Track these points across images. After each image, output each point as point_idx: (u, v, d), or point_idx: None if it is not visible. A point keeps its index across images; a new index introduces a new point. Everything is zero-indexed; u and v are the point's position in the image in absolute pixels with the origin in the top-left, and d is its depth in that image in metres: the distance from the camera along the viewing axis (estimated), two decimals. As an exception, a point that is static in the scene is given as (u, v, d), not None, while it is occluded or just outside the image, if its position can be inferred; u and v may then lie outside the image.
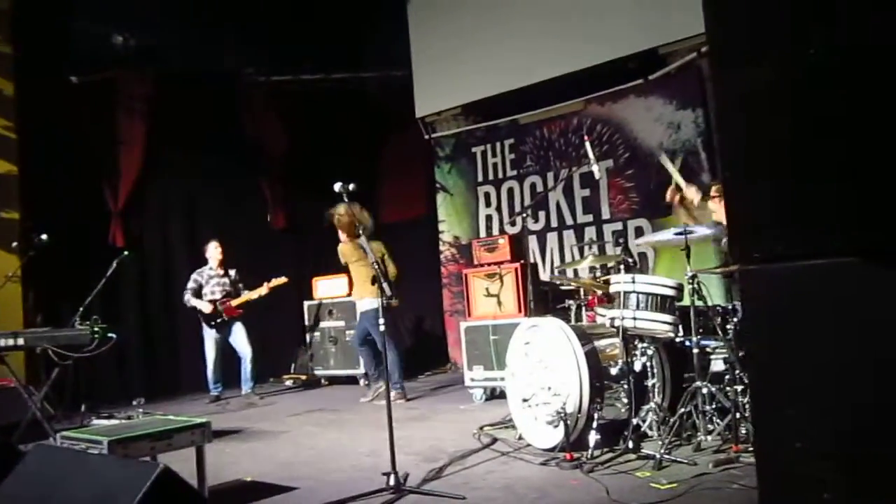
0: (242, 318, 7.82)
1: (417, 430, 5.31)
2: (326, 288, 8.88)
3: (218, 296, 7.80)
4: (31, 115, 7.40)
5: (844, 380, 1.42)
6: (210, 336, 7.80)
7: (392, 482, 3.66)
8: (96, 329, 4.87)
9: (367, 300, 6.81)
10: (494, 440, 4.77)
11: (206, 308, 7.74)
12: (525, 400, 4.50)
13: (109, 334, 4.91)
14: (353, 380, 8.47)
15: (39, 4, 7.43)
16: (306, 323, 9.08)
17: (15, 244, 5.80)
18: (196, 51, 8.70)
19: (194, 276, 7.88)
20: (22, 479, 2.94)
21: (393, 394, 6.83)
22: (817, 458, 1.44)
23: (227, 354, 7.86)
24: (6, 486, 2.95)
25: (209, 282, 7.84)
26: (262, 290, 7.80)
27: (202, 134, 8.97)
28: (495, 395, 6.54)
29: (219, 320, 7.76)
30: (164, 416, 4.06)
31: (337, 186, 4.10)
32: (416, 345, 9.66)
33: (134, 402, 7.72)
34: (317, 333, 8.93)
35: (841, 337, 1.46)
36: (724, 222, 4.71)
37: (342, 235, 7.05)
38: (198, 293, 7.82)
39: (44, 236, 5.42)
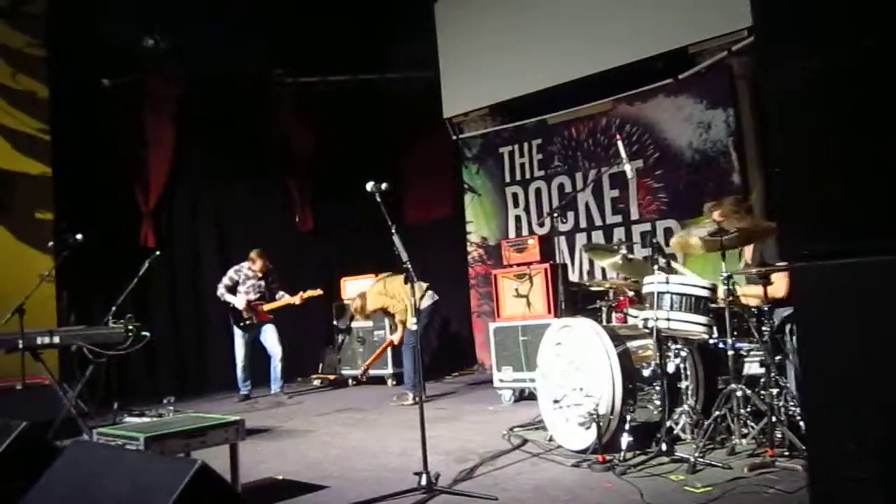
0: (273, 318, 7.88)
1: (446, 431, 5.30)
2: (354, 288, 8.89)
3: (252, 296, 7.86)
4: (64, 118, 7.52)
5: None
6: (240, 335, 7.86)
7: (423, 482, 3.65)
8: (130, 327, 4.93)
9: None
10: (524, 441, 4.75)
11: (241, 304, 7.79)
12: (556, 401, 4.47)
13: (143, 333, 4.97)
14: (380, 380, 8.48)
15: (72, 9, 7.53)
16: (335, 323, 9.12)
17: (51, 244, 5.90)
18: (224, 53, 8.76)
19: (231, 272, 7.93)
20: (60, 474, 2.98)
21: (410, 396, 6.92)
22: (870, 457, 1.41)
23: (256, 354, 7.92)
24: (45, 481, 2.99)
25: (246, 281, 7.89)
26: (296, 300, 7.87)
27: (231, 135, 9.06)
28: (524, 396, 6.52)
29: (248, 322, 7.82)
30: (198, 414, 4.08)
31: (369, 186, 4.10)
32: (443, 346, 9.64)
33: (164, 401, 7.74)
34: (345, 334, 8.95)
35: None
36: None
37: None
38: (232, 290, 7.87)
39: (78, 236, 5.48)
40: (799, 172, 1.67)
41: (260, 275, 7.94)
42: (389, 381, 8.37)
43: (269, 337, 7.85)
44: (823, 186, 1.62)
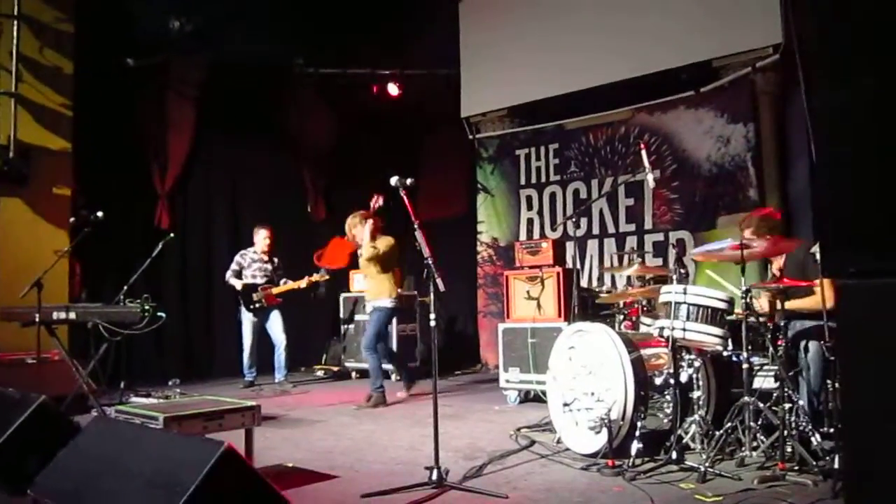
0: (280, 306, 7.88)
1: (453, 428, 5.33)
2: (363, 281, 8.92)
3: (259, 280, 7.85)
4: (88, 95, 7.53)
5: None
6: (248, 320, 7.86)
7: (434, 477, 3.68)
8: (147, 307, 4.95)
9: (384, 299, 6.80)
10: (532, 442, 4.78)
11: (238, 286, 7.79)
12: (566, 404, 4.50)
13: (159, 313, 4.99)
14: (385, 373, 8.48)
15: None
16: (341, 315, 9.15)
17: (72, 219, 5.92)
18: (248, 40, 8.80)
19: (237, 257, 7.95)
20: (82, 449, 3.01)
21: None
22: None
23: (262, 341, 7.94)
24: (65, 456, 3.03)
25: (251, 265, 7.89)
26: (302, 283, 7.85)
27: (250, 122, 9.11)
28: (530, 397, 6.55)
29: (257, 305, 7.81)
30: (214, 398, 4.11)
31: (393, 181, 4.14)
32: (448, 344, 9.68)
33: (170, 383, 7.82)
34: (351, 326, 8.99)
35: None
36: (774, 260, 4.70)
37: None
38: (238, 275, 7.88)
39: (99, 213, 5.51)
40: (845, 190, 1.69)
41: (266, 258, 7.93)
42: (394, 376, 8.39)
43: (275, 325, 7.86)
44: (872, 204, 1.64)
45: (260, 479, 2.63)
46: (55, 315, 5.14)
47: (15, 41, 6.90)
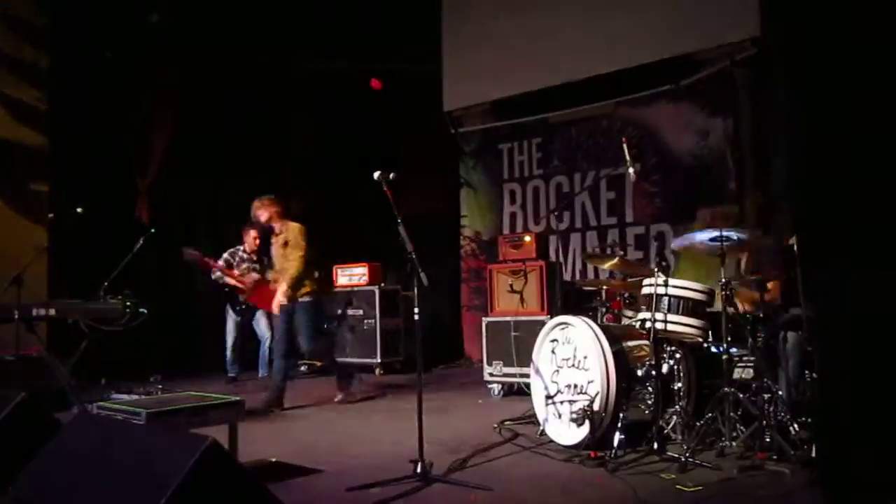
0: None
1: (437, 422, 5.32)
2: (346, 276, 8.93)
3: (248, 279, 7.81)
4: (64, 89, 7.45)
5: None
6: (231, 318, 7.88)
7: (419, 470, 3.70)
8: (129, 303, 4.93)
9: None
10: (516, 435, 4.80)
11: (231, 280, 7.75)
12: (549, 397, 4.54)
13: (141, 309, 4.97)
14: (369, 368, 8.51)
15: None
16: (323, 311, 9.10)
17: (51, 216, 5.87)
18: (228, 35, 8.76)
19: (226, 254, 7.90)
20: (64, 446, 2.99)
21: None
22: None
23: (246, 337, 7.93)
24: (49, 452, 3.01)
25: (240, 264, 7.88)
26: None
27: (230, 117, 9.05)
28: (513, 390, 6.58)
29: (243, 307, 7.83)
30: (196, 393, 4.10)
31: (376, 175, 4.14)
32: (431, 338, 9.66)
33: (151, 379, 7.74)
34: (334, 322, 8.96)
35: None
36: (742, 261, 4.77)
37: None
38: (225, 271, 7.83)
39: (79, 210, 5.47)
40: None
41: (254, 257, 7.92)
42: (377, 371, 8.41)
43: (261, 322, 7.87)
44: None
45: (245, 473, 2.63)
46: (35, 311, 5.12)
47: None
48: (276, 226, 6.29)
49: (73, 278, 7.52)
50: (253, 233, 7.89)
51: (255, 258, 7.94)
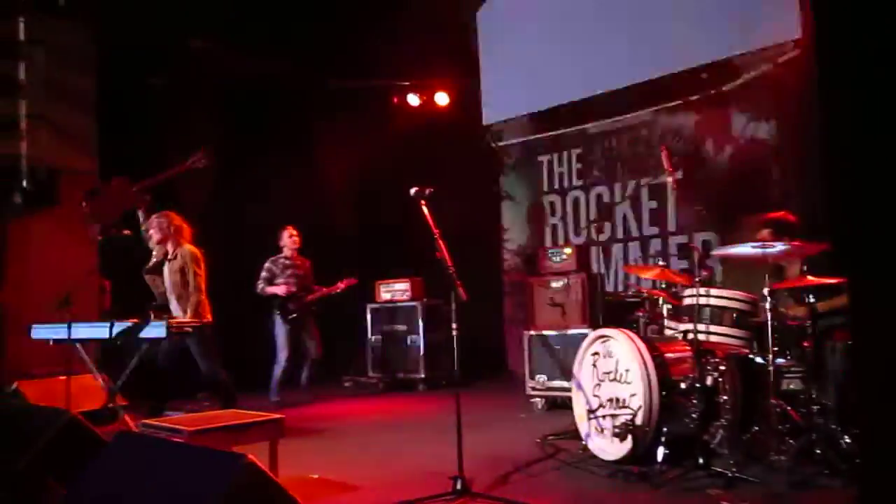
0: (315, 315, 7.69)
1: (479, 437, 5.28)
2: (389, 291, 8.97)
3: (294, 288, 7.58)
4: (111, 115, 7.66)
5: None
6: (283, 332, 7.50)
7: (459, 486, 3.68)
8: (172, 323, 5.02)
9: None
10: (558, 450, 4.75)
11: (282, 290, 7.50)
12: (591, 411, 4.48)
13: (186, 328, 5.05)
14: (410, 384, 8.52)
15: (122, 8, 7.70)
16: (368, 325, 9.16)
17: (100, 238, 6.04)
18: (267, 54, 8.93)
19: (268, 264, 7.68)
20: (106, 465, 3.05)
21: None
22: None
23: (296, 350, 7.67)
24: (91, 471, 3.07)
25: (284, 272, 7.64)
26: (339, 287, 7.71)
27: (271, 136, 9.21)
28: (556, 404, 6.51)
29: (294, 315, 7.49)
30: (238, 411, 4.16)
31: (413, 191, 4.16)
32: (474, 352, 9.63)
33: (199, 396, 7.88)
34: (377, 336, 9.00)
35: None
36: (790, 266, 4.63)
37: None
38: (270, 281, 7.62)
39: (126, 231, 5.61)
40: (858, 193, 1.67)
41: (297, 262, 7.70)
42: (421, 386, 8.40)
43: (310, 336, 7.60)
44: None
45: (282, 492, 2.64)
46: (84, 332, 5.22)
47: (41, 65, 7.06)
48: (170, 249, 6.04)
49: (124, 298, 7.71)
50: (286, 232, 7.69)
51: (297, 262, 7.69)
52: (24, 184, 6.92)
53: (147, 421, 3.76)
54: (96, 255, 7.04)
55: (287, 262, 7.70)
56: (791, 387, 4.31)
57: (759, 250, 4.04)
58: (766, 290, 4.06)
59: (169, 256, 6.03)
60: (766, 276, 4.08)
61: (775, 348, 4.03)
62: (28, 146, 6.97)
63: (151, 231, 6.02)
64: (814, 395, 3.96)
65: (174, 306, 6.00)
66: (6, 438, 3.88)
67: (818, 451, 3.75)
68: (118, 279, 7.65)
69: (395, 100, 10.32)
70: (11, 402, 5.70)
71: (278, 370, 7.43)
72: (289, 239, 7.70)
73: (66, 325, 5.06)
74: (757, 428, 3.98)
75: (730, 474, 3.67)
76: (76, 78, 7.37)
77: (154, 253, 6.07)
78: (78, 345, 5.39)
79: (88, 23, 7.45)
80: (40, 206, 7.03)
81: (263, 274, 7.69)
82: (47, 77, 7.12)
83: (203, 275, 6.02)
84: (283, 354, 7.44)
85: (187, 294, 5.93)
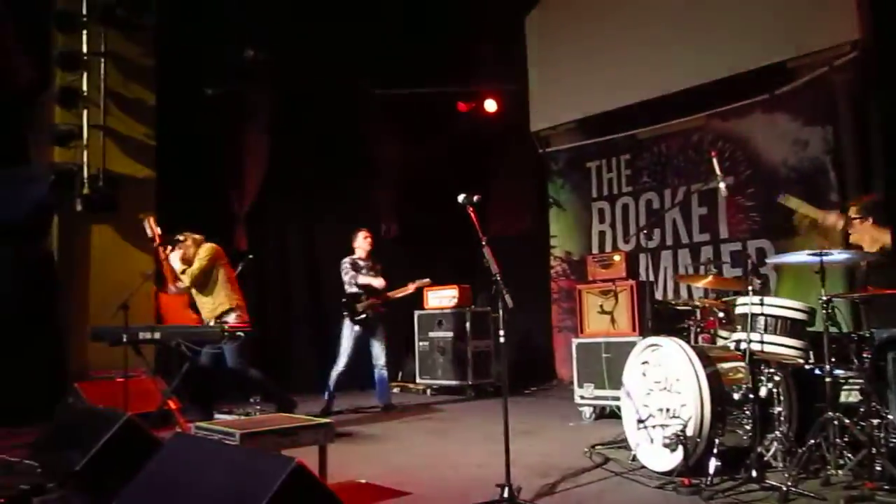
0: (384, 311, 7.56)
1: (526, 445, 5.28)
2: (437, 298, 9.00)
3: (367, 288, 7.40)
4: (168, 124, 7.88)
5: None
6: (350, 333, 7.30)
7: (506, 494, 3.66)
8: (226, 326, 5.12)
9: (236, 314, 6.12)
10: (606, 459, 4.70)
11: (379, 283, 7.36)
12: (641, 421, 4.41)
13: (238, 332, 5.15)
14: (459, 390, 8.52)
15: (180, 22, 7.93)
16: (416, 332, 9.20)
17: (157, 244, 6.20)
18: (318, 65, 9.08)
19: (349, 263, 7.44)
20: (162, 465, 3.13)
21: None
22: None
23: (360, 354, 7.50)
24: (146, 472, 3.15)
25: (365, 272, 7.44)
26: (410, 289, 7.67)
27: (322, 145, 9.36)
28: (605, 413, 6.44)
29: (363, 315, 7.32)
30: (289, 415, 4.22)
31: (461, 198, 4.16)
32: (523, 359, 9.61)
33: (251, 400, 7.99)
34: (425, 343, 9.04)
35: None
36: (865, 245, 4.51)
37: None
38: (356, 278, 7.42)
39: (181, 237, 5.75)
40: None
41: (371, 263, 7.56)
42: (468, 392, 8.40)
43: (379, 342, 7.40)
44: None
45: (330, 495, 2.67)
46: (141, 335, 5.36)
47: (103, 77, 7.32)
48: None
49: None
50: (362, 234, 7.51)
51: (371, 263, 7.54)
52: (86, 191, 7.16)
53: (200, 423, 3.84)
54: (153, 261, 7.23)
55: (362, 262, 7.53)
56: (850, 399, 4.18)
57: (815, 259, 3.94)
58: (823, 299, 3.96)
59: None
60: (822, 284, 3.97)
61: (833, 359, 3.92)
62: (89, 155, 7.22)
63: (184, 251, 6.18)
64: (874, 408, 3.83)
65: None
66: (66, 439, 4.02)
67: (878, 467, 3.63)
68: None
69: (460, 107, 10.34)
70: (71, 404, 5.91)
71: (335, 373, 7.29)
72: (363, 241, 7.54)
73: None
74: (814, 441, 3.86)
75: (785, 488, 3.57)
76: (136, 88, 7.61)
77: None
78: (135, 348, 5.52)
79: (148, 35, 7.68)
80: (100, 213, 7.27)
81: (351, 271, 7.44)
82: (108, 88, 7.36)
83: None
84: (342, 359, 7.29)
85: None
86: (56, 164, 7.12)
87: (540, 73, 9.49)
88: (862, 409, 3.92)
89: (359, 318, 7.29)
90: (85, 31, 7.27)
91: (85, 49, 7.27)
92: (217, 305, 6.07)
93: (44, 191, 7.09)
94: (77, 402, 5.98)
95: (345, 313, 7.37)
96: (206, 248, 6.17)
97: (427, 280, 7.92)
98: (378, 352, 7.38)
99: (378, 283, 7.38)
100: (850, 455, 3.80)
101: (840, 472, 3.79)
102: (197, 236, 6.25)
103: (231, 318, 5.98)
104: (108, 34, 7.37)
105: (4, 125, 7.21)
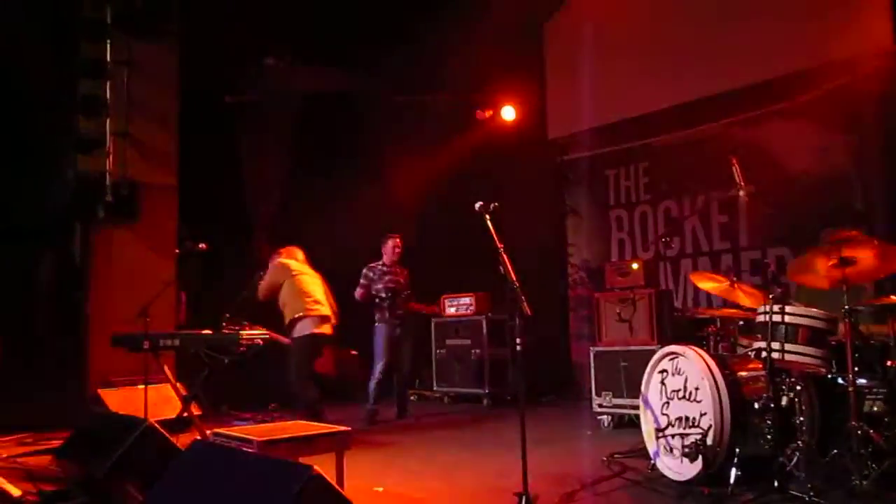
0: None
1: (544, 453, 5.26)
2: (454, 306, 9.00)
3: (389, 293, 7.47)
4: (190, 132, 7.96)
5: None
6: (384, 337, 7.36)
7: (524, 503, 3.64)
8: (244, 334, 5.15)
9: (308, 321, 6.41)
10: (625, 469, 4.66)
11: (384, 292, 7.42)
12: (660, 430, 4.38)
13: (257, 340, 5.18)
14: (476, 398, 8.50)
15: (201, 31, 8.01)
16: (433, 340, 9.20)
17: (177, 251, 6.26)
18: (336, 72, 9.15)
19: (365, 271, 7.56)
20: (181, 472, 3.15)
21: None
22: None
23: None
24: (167, 477, 3.18)
25: (382, 277, 7.49)
26: (435, 309, 7.93)
27: (343, 152, 9.42)
28: (624, 422, 6.40)
29: (400, 312, 7.43)
30: (306, 422, 4.23)
31: (478, 206, 4.17)
32: (540, 368, 9.56)
33: (270, 407, 8.05)
34: (442, 350, 9.03)
35: None
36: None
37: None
38: (367, 289, 7.49)
39: (201, 245, 5.80)
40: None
41: (395, 270, 7.60)
42: (485, 401, 8.38)
43: (406, 345, 7.52)
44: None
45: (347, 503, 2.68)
46: (161, 342, 5.41)
47: (126, 85, 7.41)
48: None
49: (199, 310, 7.96)
50: (391, 242, 7.58)
51: (395, 270, 7.60)
52: (108, 198, 7.25)
53: (219, 430, 3.86)
54: (174, 267, 7.30)
55: (385, 268, 7.57)
56: (874, 409, 4.12)
57: (836, 271, 3.90)
58: (845, 308, 3.92)
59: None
60: (845, 293, 3.93)
61: (856, 368, 3.87)
62: (112, 162, 7.31)
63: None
64: (898, 418, 3.78)
65: None
66: (88, 446, 4.06)
67: (903, 477, 3.58)
68: (190, 290, 7.92)
69: (479, 114, 10.35)
70: (93, 410, 5.96)
71: (373, 382, 7.27)
72: (392, 249, 7.60)
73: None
74: (837, 451, 3.81)
75: (807, 498, 3.53)
76: (158, 96, 7.70)
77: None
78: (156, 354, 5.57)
79: (170, 44, 7.77)
80: (122, 220, 7.35)
81: (361, 281, 7.54)
82: (131, 95, 7.45)
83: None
84: (379, 365, 7.30)
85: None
86: (79, 172, 7.21)
87: (558, 80, 9.48)
88: (886, 419, 3.86)
89: (397, 316, 7.46)
90: (108, 41, 7.36)
91: (108, 58, 7.36)
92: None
93: (67, 197, 7.19)
94: (99, 408, 6.03)
95: (378, 316, 7.46)
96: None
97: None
98: (405, 358, 7.51)
99: (357, 293, 7.50)
100: (874, 465, 3.74)
101: (865, 482, 3.73)
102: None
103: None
104: (131, 43, 7.46)
105: (28, 132, 7.32)
